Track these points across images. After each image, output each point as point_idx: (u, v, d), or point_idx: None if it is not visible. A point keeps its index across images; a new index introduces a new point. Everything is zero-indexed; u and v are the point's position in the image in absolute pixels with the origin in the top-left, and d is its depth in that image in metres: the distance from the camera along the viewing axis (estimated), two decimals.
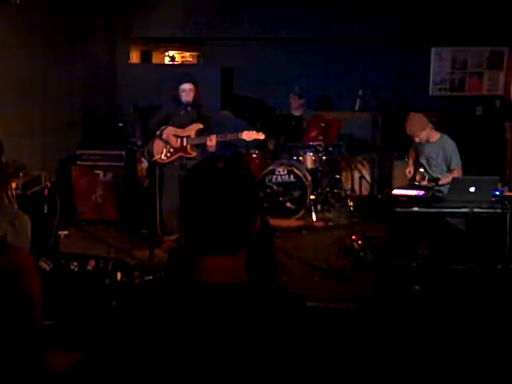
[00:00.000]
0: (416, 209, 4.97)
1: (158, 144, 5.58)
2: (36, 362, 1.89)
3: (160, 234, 5.58)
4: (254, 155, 6.98)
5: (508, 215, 4.80)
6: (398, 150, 7.47)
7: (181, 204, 1.35)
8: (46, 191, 5.07)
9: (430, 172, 5.57)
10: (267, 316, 1.29)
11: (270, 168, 6.72)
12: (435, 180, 5.45)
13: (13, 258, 1.89)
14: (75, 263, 3.76)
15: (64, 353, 2.55)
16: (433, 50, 8.27)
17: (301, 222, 6.60)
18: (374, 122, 8.07)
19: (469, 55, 8.26)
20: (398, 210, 5.01)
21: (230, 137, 5.52)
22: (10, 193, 4.49)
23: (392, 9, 8.08)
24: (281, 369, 1.25)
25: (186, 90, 5.48)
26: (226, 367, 1.23)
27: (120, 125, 7.26)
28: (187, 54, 10.15)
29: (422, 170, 5.62)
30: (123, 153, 6.69)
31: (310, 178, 6.75)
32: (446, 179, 5.38)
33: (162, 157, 5.52)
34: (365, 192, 7.52)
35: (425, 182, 5.53)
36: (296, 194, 6.65)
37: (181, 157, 5.54)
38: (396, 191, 5.52)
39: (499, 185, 5.11)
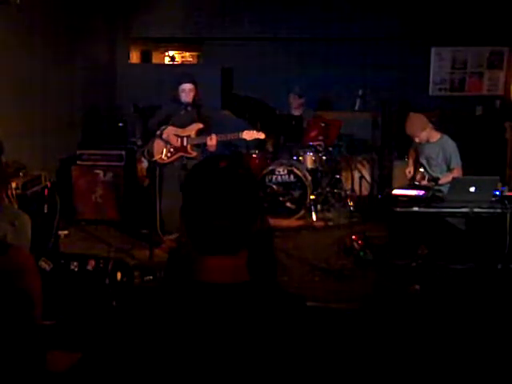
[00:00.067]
0: (416, 209, 4.97)
1: (158, 144, 5.58)
2: (36, 361, 1.89)
3: (160, 234, 5.57)
4: (254, 155, 6.98)
5: (508, 215, 4.80)
6: (398, 150, 7.47)
7: (181, 204, 1.35)
8: (46, 191, 5.06)
9: (430, 172, 5.57)
10: (268, 316, 1.29)
11: (270, 168, 6.71)
12: (435, 180, 5.45)
13: (13, 258, 1.89)
14: (75, 263, 3.76)
15: (64, 353, 2.55)
16: (433, 50, 8.27)
17: (301, 222, 6.60)
18: (374, 122, 8.06)
19: (469, 55, 8.26)
20: (398, 209, 5.01)
21: (230, 136, 5.52)
22: (10, 193, 4.49)
23: (392, 9, 8.08)
24: (281, 369, 1.25)
25: (186, 90, 5.48)
26: (227, 367, 1.23)
27: (120, 125, 7.27)
28: (187, 54, 10.15)
29: (422, 169, 5.62)
30: (123, 153, 6.68)
31: (309, 177, 6.75)
32: (445, 178, 5.39)
33: (163, 157, 5.52)
34: (365, 192, 7.51)
35: (425, 182, 5.54)
36: (296, 193, 6.65)
37: (181, 157, 5.54)
38: (396, 191, 5.52)
39: (499, 185, 5.11)
